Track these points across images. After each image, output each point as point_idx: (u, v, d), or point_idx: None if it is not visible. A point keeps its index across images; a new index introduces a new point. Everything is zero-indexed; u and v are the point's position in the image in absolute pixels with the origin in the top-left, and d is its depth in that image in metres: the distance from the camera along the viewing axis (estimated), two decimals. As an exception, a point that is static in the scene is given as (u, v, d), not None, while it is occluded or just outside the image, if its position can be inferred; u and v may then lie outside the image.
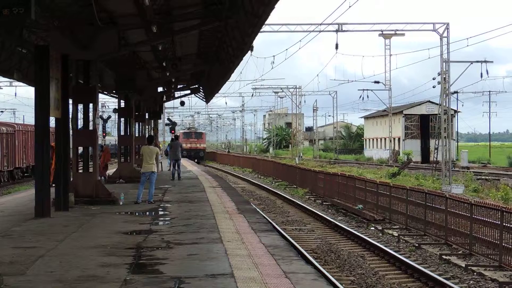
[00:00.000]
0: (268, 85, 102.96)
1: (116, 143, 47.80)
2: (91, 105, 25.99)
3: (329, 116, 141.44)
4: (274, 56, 65.42)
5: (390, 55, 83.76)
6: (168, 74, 40.71)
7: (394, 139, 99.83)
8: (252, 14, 21.40)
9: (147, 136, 37.54)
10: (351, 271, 19.63)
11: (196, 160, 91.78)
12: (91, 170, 26.20)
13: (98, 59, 25.60)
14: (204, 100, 65.01)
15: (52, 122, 22.96)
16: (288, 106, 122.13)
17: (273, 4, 18.87)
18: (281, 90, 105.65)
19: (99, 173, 27.59)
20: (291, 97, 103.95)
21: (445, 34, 52.02)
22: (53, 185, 22.48)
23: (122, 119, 40.37)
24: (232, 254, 13.64)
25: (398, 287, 17.55)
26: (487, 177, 55.39)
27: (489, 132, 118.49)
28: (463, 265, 19.70)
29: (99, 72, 29.10)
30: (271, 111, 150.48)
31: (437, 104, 66.60)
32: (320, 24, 51.17)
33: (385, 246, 22.67)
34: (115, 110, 43.85)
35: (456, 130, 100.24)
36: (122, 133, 40.58)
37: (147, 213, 21.81)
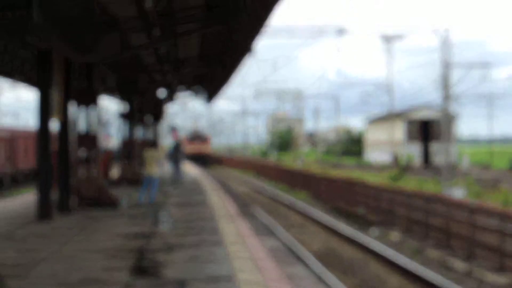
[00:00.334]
0: (270, 88, 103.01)
1: (119, 146, 47.85)
2: (93, 109, 26.05)
3: (331, 119, 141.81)
4: (276, 59, 65.61)
5: (392, 58, 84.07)
6: (170, 77, 40.81)
7: (395, 142, 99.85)
8: (254, 17, 21.44)
9: (149, 140, 37.60)
10: (353, 273, 19.67)
11: (201, 164, 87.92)
12: (94, 173, 26.25)
13: (100, 62, 25.63)
14: (206, 102, 64.99)
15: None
16: (289, 109, 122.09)
17: (275, 7, 18.90)
18: (282, 94, 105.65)
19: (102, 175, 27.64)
20: (293, 102, 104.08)
21: (446, 38, 52.11)
22: None
23: (125, 123, 40.45)
24: (234, 257, 13.63)
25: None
26: (487, 182, 55.41)
27: (491, 136, 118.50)
28: (464, 269, 19.74)
29: (102, 75, 29.08)
30: (273, 114, 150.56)
31: (438, 108, 66.57)
32: (322, 28, 51.19)
33: (385, 250, 22.69)
34: (118, 115, 43.84)
35: (457, 133, 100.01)
36: (125, 136, 40.67)
37: (149, 215, 21.80)
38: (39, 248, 14.87)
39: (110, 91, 41.03)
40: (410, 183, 48.99)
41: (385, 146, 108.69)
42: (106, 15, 22.72)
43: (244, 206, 26.56)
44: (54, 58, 20.59)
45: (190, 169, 59.22)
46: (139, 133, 44.53)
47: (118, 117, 43.86)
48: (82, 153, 26.50)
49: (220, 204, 26.20)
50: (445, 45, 52.09)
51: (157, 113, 50.96)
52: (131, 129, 40.22)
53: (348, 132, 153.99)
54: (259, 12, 20.48)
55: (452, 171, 52.75)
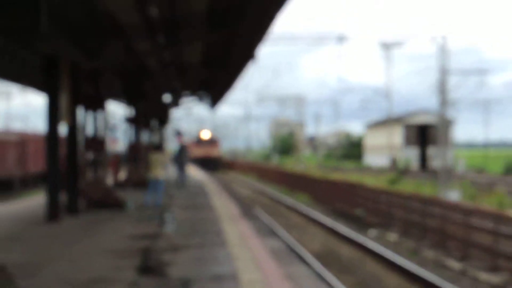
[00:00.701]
0: (272, 94, 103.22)
1: (125, 150, 47.91)
2: (100, 113, 26.10)
3: (331, 124, 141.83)
4: (278, 66, 65.69)
5: (390, 65, 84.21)
6: (174, 82, 40.88)
7: (393, 147, 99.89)
8: (257, 24, 21.47)
9: (155, 143, 37.64)
10: (352, 273, 19.70)
11: (209, 169, 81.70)
12: (101, 176, 26.28)
13: (106, 68, 25.68)
14: (210, 107, 65.02)
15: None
16: (290, 114, 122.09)
17: (277, 14, 18.94)
18: (284, 100, 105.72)
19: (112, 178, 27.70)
20: (294, 108, 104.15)
21: (443, 45, 52.13)
22: None
23: (131, 127, 40.52)
24: (237, 257, 13.67)
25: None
26: (482, 185, 55.44)
27: (486, 140, 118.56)
28: (459, 268, 19.77)
29: (108, 81, 29.12)
30: (274, 120, 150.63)
31: (435, 113, 66.59)
32: (323, 35, 51.25)
33: (383, 250, 22.72)
34: (124, 119, 43.90)
35: (454, 138, 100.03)
36: (131, 140, 40.75)
37: (155, 217, 21.83)
38: (47, 248, 14.91)
39: (116, 96, 41.07)
40: (407, 186, 49.00)
41: (383, 150, 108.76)
42: (111, 22, 22.78)
43: (247, 208, 26.56)
44: (61, 64, 20.66)
45: (194, 173, 59.25)
46: (145, 137, 44.60)
47: (124, 121, 43.96)
48: (89, 156, 26.56)
49: (223, 206, 26.23)
50: (443, 52, 52.11)
51: (163, 118, 51.03)
52: (137, 133, 40.30)
53: (348, 137, 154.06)
54: (262, 20, 20.51)
55: (448, 175, 52.74)
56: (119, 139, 66.20)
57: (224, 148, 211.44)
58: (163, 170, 26.55)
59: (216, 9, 24.08)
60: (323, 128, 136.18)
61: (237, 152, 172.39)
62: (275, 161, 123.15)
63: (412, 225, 26.83)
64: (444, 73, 52.61)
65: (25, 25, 10.82)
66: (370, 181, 50.73)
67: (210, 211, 24.01)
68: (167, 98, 48.82)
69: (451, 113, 68.44)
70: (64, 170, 22.84)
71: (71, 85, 21.78)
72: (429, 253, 22.57)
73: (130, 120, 40.50)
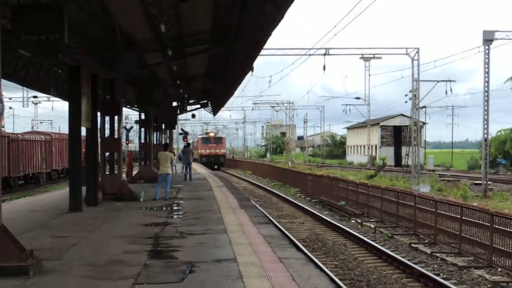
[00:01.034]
0: (266, 100, 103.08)
1: (137, 149, 47.90)
2: (116, 117, 26.10)
3: (317, 127, 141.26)
4: (271, 76, 65.70)
5: (369, 75, 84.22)
6: (181, 91, 40.82)
7: (372, 146, 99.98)
8: (253, 40, 21.46)
9: (163, 143, 37.62)
10: (335, 256, 19.70)
11: (216, 167, 79.78)
12: (116, 171, 26.28)
13: (121, 77, 25.66)
14: (212, 113, 64.94)
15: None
16: (282, 118, 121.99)
17: (271, 31, 18.93)
18: (277, 105, 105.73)
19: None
20: (285, 112, 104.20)
21: (416, 58, 52.10)
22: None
23: (143, 129, 40.53)
24: (235, 242, 13.68)
25: (374, 270, 17.58)
26: (449, 179, 55.49)
27: (452, 141, 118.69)
28: (429, 252, 19.78)
29: (123, 88, 29.11)
30: (268, 122, 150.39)
31: (409, 117, 66.65)
32: (310, 49, 51.22)
33: (364, 236, 22.73)
34: (136, 122, 43.87)
35: (424, 138, 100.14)
36: (143, 141, 40.78)
37: (164, 208, 21.82)
38: (70, 235, 14.92)
39: (130, 103, 41.07)
40: (384, 181, 49.01)
41: (363, 149, 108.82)
42: (126, 37, 22.75)
43: (244, 199, 26.50)
44: (82, 74, 20.63)
45: (198, 169, 59.16)
46: (155, 137, 44.57)
47: (136, 124, 43.94)
48: (107, 155, 26.57)
49: (223, 198, 26.23)
50: (415, 63, 52.10)
51: (171, 121, 50.98)
52: (147, 135, 40.31)
53: (332, 137, 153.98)
54: (257, 36, 20.50)
55: (419, 171, 52.74)
56: (132, 140, 66.09)
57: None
58: (170, 166, 26.55)
59: (217, 28, 24.08)
60: (310, 130, 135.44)
61: (236, 151, 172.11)
62: (269, 159, 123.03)
63: (387, 214, 26.86)
64: (416, 82, 52.60)
65: (50, 40, 10.80)
66: (351, 176, 50.73)
67: (212, 202, 24.01)
68: (174, 104, 48.79)
69: (421, 117, 68.40)
70: (84, 166, 22.87)
71: (90, 93, 21.78)
72: (402, 239, 22.58)
73: (142, 123, 40.53)
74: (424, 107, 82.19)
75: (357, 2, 61.30)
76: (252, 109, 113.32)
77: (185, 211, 20.76)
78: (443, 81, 62.29)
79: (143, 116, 40.27)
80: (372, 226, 25.95)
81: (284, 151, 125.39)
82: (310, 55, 52.24)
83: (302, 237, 23.14)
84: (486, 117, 43.85)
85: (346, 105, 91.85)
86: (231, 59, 28.68)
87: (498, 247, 17.33)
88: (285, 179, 54.88)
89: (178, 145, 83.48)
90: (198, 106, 54.51)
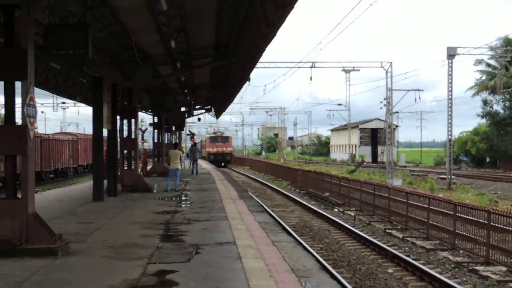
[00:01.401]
0: (261, 106, 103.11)
1: (151, 148, 47.90)
2: (133, 120, 26.11)
3: (305, 129, 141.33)
4: (265, 85, 65.74)
5: (350, 85, 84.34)
6: (188, 98, 40.84)
7: (352, 145, 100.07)
8: (249, 54, 21.47)
9: (173, 143, 37.60)
10: (321, 239, 19.72)
11: (223, 164, 73.83)
12: (133, 167, 26.28)
13: (137, 87, 25.66)
14: (215, 116, 64.88)
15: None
16: (275, 121, 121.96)
17: (265, 47, 18.95)
18: (270, 110, 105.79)
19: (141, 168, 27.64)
20: (277, 116, 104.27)
21: (389, 70, 52.14)
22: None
23: (156, 131, 40.55)
24: (235, 228, 13.70)
25: (354, 251, 17.61)
26: (418, 174, 55.55)
27: (421, 141, 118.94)
28: (401, 237, 19.80)
29: (139, 96, 29.11)
30: (263, 125, 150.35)
31: (384, 120, 66.70)
32: (299, 62, 51.27)
33: (345, 223, 22.75)
34: (150, 124, 43.84)
35: (397, 139, 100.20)
36: (156, 141, 40.78)
37: (173, 198, 21.83)
38: (93, 221, 14.92)
39: (145, 108, 41.05)
40: (362, 175, 49.04)
41: (344, 148, 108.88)
42: (141, 53, 22.76)
43: (242, 191, 26.51)
44: (104, 84, 20.64)
45: (203, 164, 59.17)
46: (166, 138, 44.57)
47: (151, 126, 43.95)
48: (125, 152, 26.55)
49: (224, 190, 26.25)
50: (389, 75, 52.13)
51: (180, 124, 50.97)
52: (160, 135, 40.34)
53: (318, 138, 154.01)
54: (253, 51, 20.52)
55: (393, 167, 52.77)
56: (147, 140, 66.01)
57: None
58: (180, 163, 26.57)
59: (219, 44, 24.12)
60: (299, 131, 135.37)
61: (235, 150, 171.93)
62: (264, 156, 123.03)
63: (365, 204, 26.88)
64: (389, 91, 52.63)
65: (77, 55, 10.82)
66: (334, 171, 50.75)
67: (215, 193, 24.03)
68: (183, 110, 48.78)
69: (394, 121, 68.48)
70: (106, 162, 22.87)
71: (111, 100, 21.78)
72: (378, 226, 22.61)
73: (155, 125, 40.54)
74: (397, 112, 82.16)
75: (339, 22, 61.42)
76: (249, 114, 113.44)
77: (192, 201, 20.78)
78: (412, 90, 62.30)
79: (156, 120, 40.28)
80: (352, 214, 25.98)
81: (277, 150, 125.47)
82: (298, 67, 52.32)
83: (292, 224, 23.18)
84: (449, 121, 44.02)
85: (330, 110, 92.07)
86: (231, 71, 28.71)
87: (460, 232, 17.36)
88: (277, 174, 54.89)
89: (186, 144, 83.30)
90: (203, 111, 54.51)
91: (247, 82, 29.16)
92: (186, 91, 37.16)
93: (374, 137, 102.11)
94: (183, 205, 19.26)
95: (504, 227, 15.09)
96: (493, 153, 73.69)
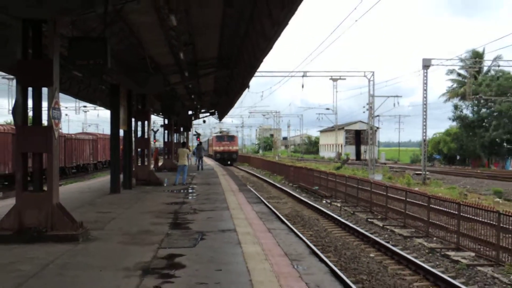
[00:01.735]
0: (259, 110, 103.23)
1: (162, 146, 47.87)
2: (146, 122, 26.08)
3: (297, 130, 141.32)
4: (262, 91, 65.64)
5: (337, 91, 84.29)
6: (195, 103, 40.83)
7: (338, 145, 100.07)
8: (249, 65, 21.46)
9: (181, 142, 37.58)
10: (311, 227, 19.72)
11: (229, 162, 68.90)
12: (146, 163, 26.24)
13: (150, 93, 25.63)
14: (218, 119, 64.84)
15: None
16: (271, 123, 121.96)
17: (262, 58, 18.94)
18: (267, 114, 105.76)
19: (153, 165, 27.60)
20: (273, 119, 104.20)
21: (371, 79, 52.16)
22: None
23: (166, 131, 40.52)
24: (235, 217, 13.69)
25: (340, 238, 17.61)
26: (397, 170, 55.61)
27: (399, 141, 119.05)
28: (381, 225, 19.82)
29: (151, 101, 29.06)
30: (260, 127, 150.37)
31: (366, 123, 66.71)
32: (292, 72, 51.28)
33: (332, 213, 22.76)
34: (161, 126, 43.82)
35: (378, 139, 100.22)
36: (166, 140, 40.76)
37: (181, 191, 21.81)
38: (111, 211, 14.91)
39: (157, 112, 40.98)
40: (347, 171, 49.06)
41: (332, 147, 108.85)
42: (153, 63, 22.73)
43: (242, 185, 26.51)
44: (120, 90, 20.62)
45: (208, 161, 59.16)
46: (175, 137, 44.54)
47: (162, 128, 43.93)
48: (139, 150, 26.52)
49: (226, 183, 26.23)
50: (371, 83, 52.13)
51: (187, 126, 50.92)
52: (170, 136, 40.32)
53: (308, 138, 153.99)
54: (252, 62, 20.51)
55: (374, 163, 52.79)
56: (158, 139, 65.93)
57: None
58: (187, 159, 26.55)
59: (222, 56, 24.10)
60: (292, 132, 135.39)
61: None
62: (261, 154, 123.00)
63: (350, 196, 26.90)
64: (371, 97, 52.65)
65: (97, 65, 10.81)
66: (322, 167, 50.76)
67: (218, 187, 24.02)
68: (190, 113, 48.74)
69: (376, 123, 68.50)
70: (122, 159, 22.85)
71: (127, 104, 21.76)
72: (361, 215, 22.62)
73: (165, 127, 40.52)
74: (378, 115, 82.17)
75: (328, 36, 61.39)
76: (248, 117, 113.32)
77: (197, 193, 20.77)
78: (392, 96, 62.45)
79: (166, 122, 40.27)
80: (339, 205, 26.00)
81: (272, 148, 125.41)
82: (291, 76, 52.32)
83: (285, 213, 23.18)
84: (424, 123, 44.04)
85: (319, 114, 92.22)
86: (232, 79, 28.68)
87: (433, 221, 17.39)
88: (273, 170, 54.91)
89: (193, 143, 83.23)
90: (208, 114, 54.46)
91: (247, 89, 29.14)
92: (193, 97, 37.12)
93: (358, 137, 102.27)
94: (189, 197, 19.26)
95: (472, 217, 15.12)
96: (463, 152, 73.85)
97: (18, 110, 10.40)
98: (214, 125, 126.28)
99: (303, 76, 52.07)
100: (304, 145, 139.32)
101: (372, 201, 23.56)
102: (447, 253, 14.90)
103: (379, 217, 21.88)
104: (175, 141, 42.74)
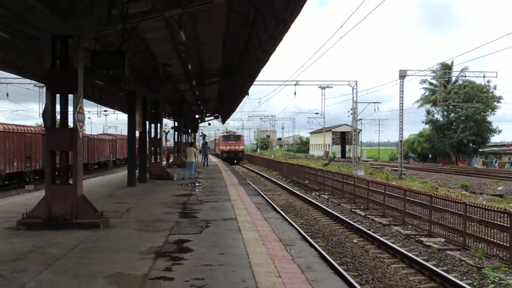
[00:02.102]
0: (257, 114, 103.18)
1: (172, 146, 47.85)
2: (158, 125, 26.05)
3: (290, 132, 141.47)
4: (260, 98, 65.62)
5: (325, 98, 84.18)
6: (201, 108, 40.84)
7: (326, 144, 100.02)
8: (248, 75, 21.49)
9: (189, 142, 37.58)
10: (302, 216, 19.71)
11: (235, 161, 63.10)
12: (158, 160, 26.23)
13: (162, 99, 25.62)
14: (221, 122, 64.84)
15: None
16: (267, 126, 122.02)
17: (260, 69, 18.97)
18: (264, 117, 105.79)
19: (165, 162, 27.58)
20: (269, 122, 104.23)
21: (355, 87, 52.17)
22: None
23: (176, 133, 40.52)
24: (236, 207, 13.69)
25: (327, 226, 17.61)
26: (377, 166, 55.62)
27: (378, 142, 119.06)
28: (363, 214, 19.82)
29: (163, 106, 29.05)
30: (258, 129, 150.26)
31: (351, 126, 66.66)
32: (286, 81, 51.23)
33: (320, 204, 22.75)
34: (172, 128, 43.80)
35: (360, 140, 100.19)
36: (176, 140, 40.77)
37: (189, 184, 21.79)
38: (128, 201, 14.90)
39: (168, 115, 40.95)
40: (334, 167, 49.06)
41: (320, 147, 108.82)
42: (165, 73, 22.74)
43: (242, 179, 26.48)
44: (136, 97, 20.60)
45: (212, 159, 59.05)
46: (184, 138, 44.53)
47: (172, 129, 43.92)
48: (152, 149, 26.51)
49: (228, 178, 26.21)
50: (354, 91, 52.14)
51: (194, 128, 50.92)
52: (179, 136, 40.30)
53: (300, 139, 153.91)
54: (251, 73, 20.54)
55: (357, 161, 52.79)
56: (169, 139, 65.90)
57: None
58: (194, 157, 26.53)
59: (225, 67, 24.12)
60: (286, 133, 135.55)
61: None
62: (259, 152, 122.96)
63: (336, 189, 26.89)
64: (355, 103, 52.66)
65: (116, 74, 10.81)
66: (312, 164, 50.75)
67: (221, 181, 24.00)
68: (196, 116, 48.74)
69: (359, 126, 68.50)
70: (138, 156, 22.84)
71: (142, 109, 21.75)
72: (346, 206, 22.61)
73: (175, 129, 40.50)
74: (361, 119, 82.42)
75: (317, 50, 61.47)
76: (248, 120, 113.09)
77: (203, 186, 20.76)
78: (372, 102, 62.94)
79: (176, 124, 40.24)
80: (326, 197, 25.99)
81: (268, 148, 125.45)
82: (285, 85, 52.29)
83: (280, 204, 23.17)
84: (401, 126, 44.07)
85: (309, 118, 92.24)
86: (233, 87, 28.71)
87: (408, 211, 17.40)
88: (269, 166, 54.87)
89: (199, 143, 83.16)
90: (212, 117, 54.58)
91: (246, 96, 29.23)
92: (199, 102, 37.15)
93: (343, 138, 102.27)
94: (196, 190, 19.25)
95: (443, 207, 15.13)
96: (434, 151, 73.93)
97: (47, 114, 10.40)
98: (218, 127, 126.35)
99: (295, 84, 52.08)
100: (296, 144, 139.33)
101: (355, 194, 23.56)
102: (421, 239, 14.91)
103: (361, 207, 21.88)
104: (184, 141, 42.73)
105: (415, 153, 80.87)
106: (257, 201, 15.41)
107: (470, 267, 11.76)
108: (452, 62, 68.56)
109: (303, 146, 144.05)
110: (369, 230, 16.34)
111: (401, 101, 43.74)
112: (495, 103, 66.44)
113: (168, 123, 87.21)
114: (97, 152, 45.93)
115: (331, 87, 59.63)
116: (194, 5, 11.11)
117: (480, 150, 67.93)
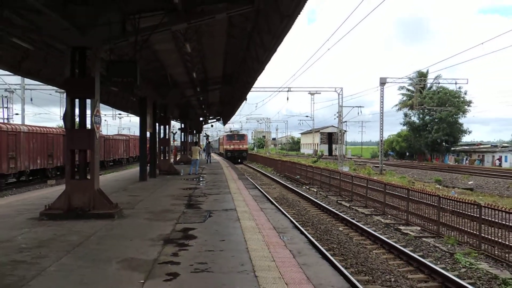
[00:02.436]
0: (254, 117, 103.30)
1: (179, 145, 47.77)
2: (167, 126, 26.02)
3: (283, 132, 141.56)
4: (257, 103, 65.52)
5: (314, 103, 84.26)
6: (204, 111, 40.77)
7: (315, 144, 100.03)
8: (246, 82, 21.45)
9: (194, 141, 37.55)
10: (293, 207, 19.70)
11: (239, 160, 58.09)
12: (167, 158, 26.18)
13: (170, 103, 25.57)
14: (222, 124, 64.79)
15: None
16: (263, 127, 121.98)
17: (257, 77, 18.94)
18: (260, 120, 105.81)
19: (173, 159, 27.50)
20: (265, 124, 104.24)
21: (340, 93, 52.17)
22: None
23: (182, 133, 40.49)
24: (235, 199, 13.67)
25: (316, 216, 17.60)
26: (360, 163, 55.63)
27: (361, 141, 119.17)
28: (348, 206, 19.82)
29: (171, 109, 28.99)
30: (255, 130, 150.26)
31: (337, 127, 66.74)
32: (280, 87, 51.23)
33: (310, 196, 22.74)
34: (179, 129, 43.73)
35: (345, 139, 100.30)
36: (182, 140, 40.72)
37: (194, 179, 21.76)
38: (139, 194, 14.87)
39: (175, 118, 40.90)
40: (322, 164, 49.06)
41: (310, 146, 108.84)
42: (172, 80, 22.70)
43: (241, 174, 26.46)
44: (147, 101, 20.56)
45: (215, 156, 58.97)
46: (189, 138, 44.48)
47: (179, 130, 43.85)
48: (161, 148, 26.45)
49: (229, 173, 26.19)
50: (340, 97, 52.13)
51: (198, 129, 50.85)
52: (185, 136, 40.26)
53: (292, 139, 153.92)
54: (248, 80, 20.51)
55: (343, 158, 52.78)
56: (176, 139, 65.80)
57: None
58: (198, 155, 26.50)
59: (226, 75, 24.07)
60: (279, 134, 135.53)
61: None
62: (256, 151, 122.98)
63: (324, 183, 26.88)
64: (340, 107, 52.67)
65: (129, 81, 10.78)
66: (303, 161, 50.73)
67: (222, 176, 23.98)
68: (200, 119, 48.67)
69: (344, 127, 68.53)
70: (148, 154, 22.79)
71: (152, 112, 21.71)
72: (333, 198, 22.60)
73: (182, 130, 40.45)
74: (346, 121, 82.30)
75: (307, 60, 61.30)
76: (246, 122, 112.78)
77: (206, 181, 20.73)
78: (356, 106, 62.59)
79: (182, 126, 40.20)
80: (315, 190, 25.99)
81: (264, 147, 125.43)
82: (279, 91, 52.24)
83: (274, 196, 23.15)
84: (381, 127, 44.11)
85: (300, 120, 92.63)
86: (233, 93, 28.67)
87: (388, 203, 17.40)
88: (264, 163, 54.81)
89: (203, 142, 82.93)
90: (214, 120, 54.41)
91: (245, 101, 29.16)
92: (203, 106, 37.09)
93: (330, 138, 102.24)
94: (200, 184, 19.23)
95: (418, 199, 15.14)
96: (411, 149, 74.06)
97: (67, 116, 10.38)
98: (219, 128, 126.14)
99: (288, 91, 52.07)
100: (288, 144, 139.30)
101: (341, 187, 23.56)
102: (399, 227, 14.92)
103: (346, 199, 21.88)
104: (189, 141, 42.68)
105: (394, 152, 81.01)
106: (254, 194, 15.40)
107: (444, 252, 11.77)
108: (428, 71, 68.64)
109: (295, 145, 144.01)
110: (353, 219, 16.34)
111: (382, 105, 43.79)
112: (466, 107, 66.59)
113: (175, 125, 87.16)
114: (112, 151, 45.81)
115: (320, 93, 59.62)
116: (198, 20, 11.09)
117: (452, 148, 68.05)
